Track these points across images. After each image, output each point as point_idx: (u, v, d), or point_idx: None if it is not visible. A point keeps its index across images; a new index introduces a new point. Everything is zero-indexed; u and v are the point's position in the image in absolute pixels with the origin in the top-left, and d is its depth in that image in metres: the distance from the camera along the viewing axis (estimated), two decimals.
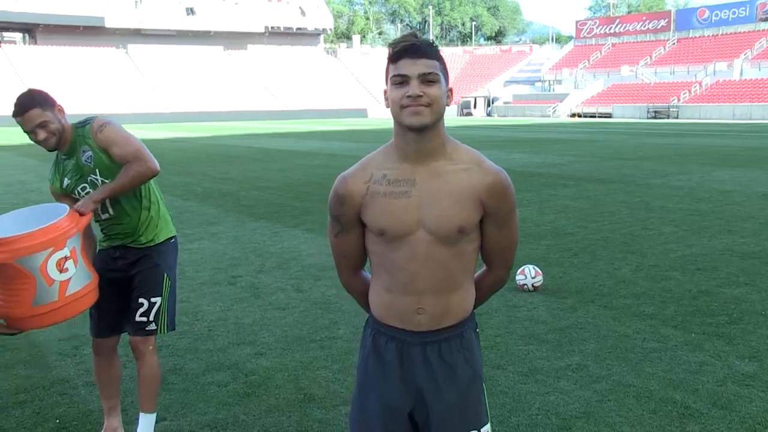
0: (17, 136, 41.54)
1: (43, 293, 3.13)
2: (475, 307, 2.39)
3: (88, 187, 3.55)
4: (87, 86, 69.57)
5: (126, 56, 78.62)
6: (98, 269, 3.53)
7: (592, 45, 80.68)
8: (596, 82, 71.40)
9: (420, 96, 2.09)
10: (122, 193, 3.56)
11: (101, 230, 3.76)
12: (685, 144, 27.19)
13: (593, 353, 5.00)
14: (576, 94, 69.73)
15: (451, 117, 70.77)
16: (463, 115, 75.50)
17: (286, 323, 5.77)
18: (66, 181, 3.59)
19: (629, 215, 10.76)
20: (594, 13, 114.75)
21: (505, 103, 75.22)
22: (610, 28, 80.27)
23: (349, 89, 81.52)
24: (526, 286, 6.56)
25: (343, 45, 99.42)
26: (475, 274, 2.39)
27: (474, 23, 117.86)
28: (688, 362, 4.79)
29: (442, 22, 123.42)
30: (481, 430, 2.32)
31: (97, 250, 3.77)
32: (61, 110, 3.57)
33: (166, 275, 3.74)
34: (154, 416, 3.81)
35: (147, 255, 3.71)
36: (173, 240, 3.86)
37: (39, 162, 22.72)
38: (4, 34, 78.22)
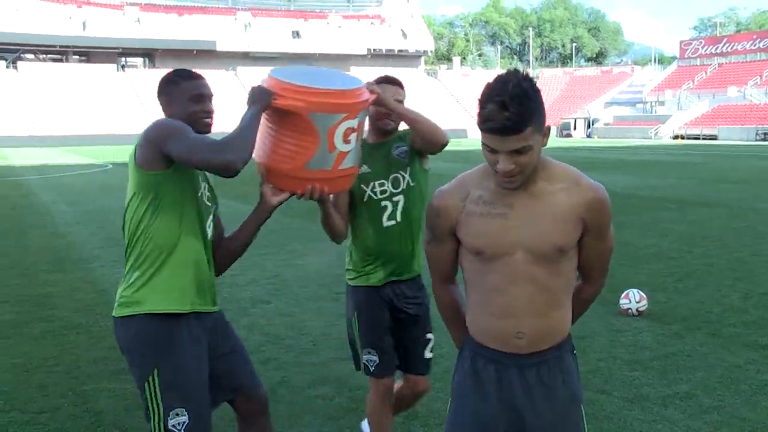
0: None
1: (320, 158, 2.78)
2: (573, 320, 2.34)
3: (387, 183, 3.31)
4: None
5: (235, 77, 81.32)
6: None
7: (696, 65, 78.01)
8: (701, 104, 68.91)
9: (511, 169, 2.06)
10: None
11: (368, 262, 3.40)
12: None
13: (702, 382, 4.80)
14: (679, 116, 67.49)
15: (550, 138, 69.76)
16: (563, 136, 74.26)
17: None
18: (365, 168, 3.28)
19: (736, 240, 10.31)
20: (699, 32, 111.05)
21: (606, 124, 73.53)
22: (716, 48, 77.42)
23: (449, 110, 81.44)
24: (630, 311, 6.37)
25: (444, 66, 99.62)
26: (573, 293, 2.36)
27: (574, 44, 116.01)
28: None
29: (542, 44, 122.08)
30: None
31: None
32: None
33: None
34: None
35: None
36: None
37: None
38: (128, 59, 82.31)
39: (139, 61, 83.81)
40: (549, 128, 2.13)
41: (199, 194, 2.82)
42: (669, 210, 13.80)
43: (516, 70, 2.05)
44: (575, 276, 2.30)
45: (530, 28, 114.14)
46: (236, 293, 7.52)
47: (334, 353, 5.50)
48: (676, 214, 13.12)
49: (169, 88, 2.91)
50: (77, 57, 78.48)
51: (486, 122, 2.01)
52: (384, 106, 3.13)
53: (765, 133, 57.79)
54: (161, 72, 77.19)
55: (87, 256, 9.82)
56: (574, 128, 75.34)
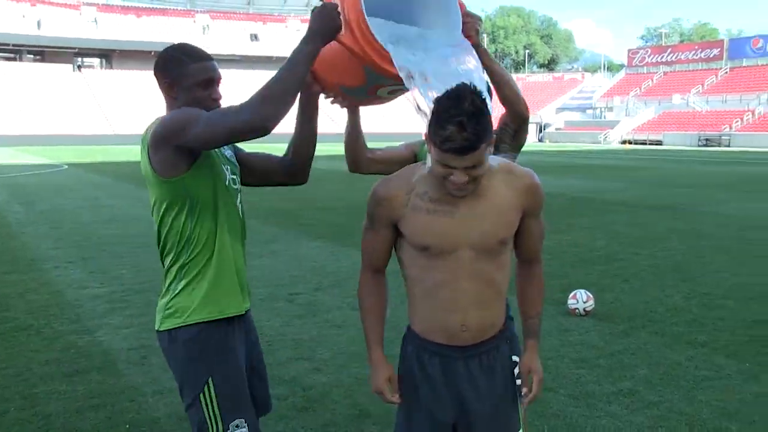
0: (91, 153, 42.70)
1: (356, 91, 2.58)
2: (538, 303, 2.40)
3: None
4: (156, 108, 70.78)
5: None
6: None
7: (643, 73, 79.53)
8: (647, 110, 70.30)
9: (465, 181, 2.07)
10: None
11: None
12: (737, 172, 26.55)
13: (644, 379, 4.89)
14: (627, 122, 68.73)
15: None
16: None
17: (342, 340, 5.79)
18: None
19: (680, 242, 10.54)
20: (646, 42, 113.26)
21: (557, 129, 74.52)
22: (662, 57, 79.07)
23: (406, 117, 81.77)
24: (577, 311, 6.46)
25: None
26: (519, 279, 2.44)
27: (527, 51, 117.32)
28: (743, 392, 4.64)
29: (496, 50, 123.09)
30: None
31: None
32: None
33: None
34: None
35: None
36: None
37: (112, 179, 23.32)
38: (84, 59, 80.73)
39: (95, 61, 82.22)
40: (495, 137, 2.22)
41: (227, 183, 2.60)
42: (618, 213, 14.04)
43: (466, 86, 2.02)
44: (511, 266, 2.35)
45: (485, 35, 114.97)
46: None
47: (289, 353, 5.48)
48: (625, 217, 13.35)
49: (173, 68, 2.60)
50: (31, 56, 76.72)
51: (445, 143, 2.01)
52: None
53: (707, 140, 59.19)
54: (118, 73, 76.26)
55: (41, 256, 9.61)
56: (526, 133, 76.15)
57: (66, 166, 30.41)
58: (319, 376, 5.00)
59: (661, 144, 61.73)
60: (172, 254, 2.57)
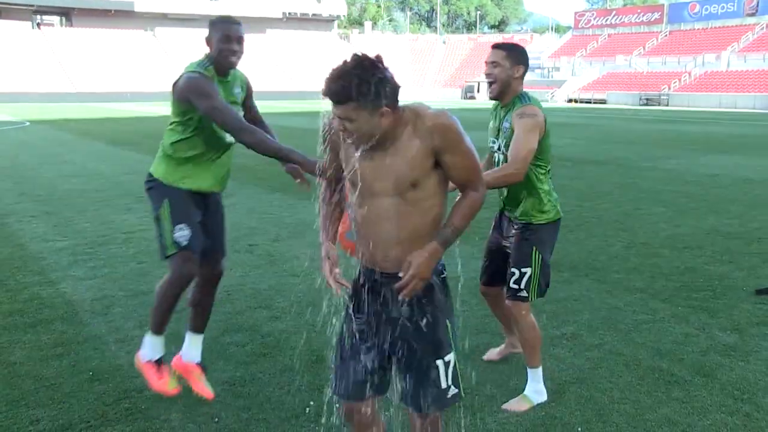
0: (53, 111, 41.51)
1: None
2: (461, 231, 2.42)
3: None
4: (117, 66, 69.32)
5: (153, 38, 78.23)
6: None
7: (589, 35, 79.75)
8: (592, 70, 70.70)
9: (343, 129, 2.26)
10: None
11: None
12: (675, 130, 26.97)
13: (587, 324, 4.98)
14: (573, 81, 69.07)
15: (455, 100, 70.35)
16: (467, 98, 74.96)
17: (300, 290, 5.77)
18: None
19: (622, 196, 10.70)
20: (592, 5, 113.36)
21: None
22: (606, 20, 79.30)
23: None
24: None
25: (356, 31, 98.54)
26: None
27: (479, 12, 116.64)
28: (675, 333, 4.77)
29: (449, 11, 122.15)
30: (445, 358, 2.49)
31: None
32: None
33: (536, 250, 3.75)
34: (537, 370, 3.84)
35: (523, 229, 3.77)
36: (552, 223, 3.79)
37: (74, 136, 22.73)
38: (43, 17, 77.76)
39: (55, 19, 79.30)
40: (387, 112, 2.22)
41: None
42: (565, 167, 14.15)
43: (364, 56, 2.22)
44: (438, 212, 2.42)
45: None
46: (153, 246, 7.27)
47: (247, 302, 5.44)
48: (571, 171, 13.48)
49: (209, 29, 3.58)
50: None
51: (324, 87, 2.22)
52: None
53: (647, 99, 59.90)
54: (79, 31, 74.13)
55: (4, 211, 9.34)
56: (478, 91, 76.07)
57: (28, 123, 29.51)
58: (277, 324, 4.98)
59: (605, 103, 62.29)
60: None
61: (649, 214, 9.21)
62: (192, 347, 3.98)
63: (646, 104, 59.39)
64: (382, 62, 2.23)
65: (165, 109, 42.37)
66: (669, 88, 60.73)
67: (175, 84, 3.59)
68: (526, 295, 3.78)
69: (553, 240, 3.86)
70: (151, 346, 3.80)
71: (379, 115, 2.21)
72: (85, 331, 4.81)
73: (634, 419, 3.56)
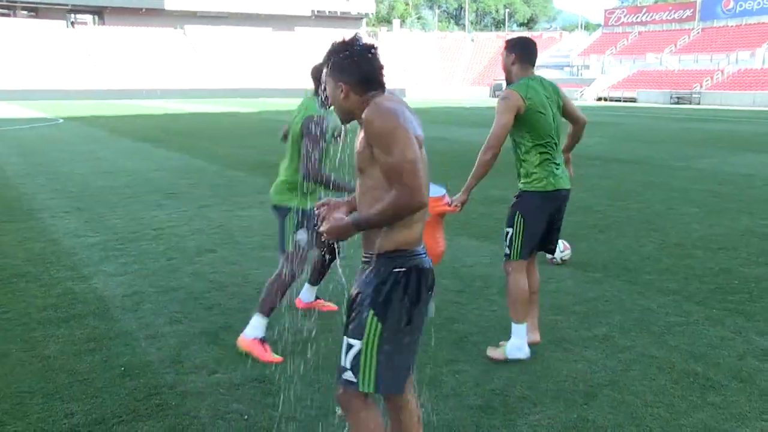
0: (85, 108, 42.09)
1: None
2: (370, 222, 2.46)
3: None
4: (148, 64, 70.10)
5: (183, 36, 78.92)
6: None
7: (619, 33, 78.88)
8: (622, 68, 69.90)
9: None
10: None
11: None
12: (707, 129, 26.56)
13: (618, 325, 4.91)
14: (602, 79, 68.37)
15: (483, 98, 70.03)
16: (495, 96, 74.63)
17: (330, 288, 5.75)
18: None
19: (653, 195, 10.55)
20: (622, 2, 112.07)
21: None
22: (637, 17, 78.34)
23: (389, 70, 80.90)
24: (554, 260, 6.46)
25: (384, 28, 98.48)
26: None
27: (507, 10, 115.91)
28: (709, 336, 4.67)
29: (477, 9, 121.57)
30: (350, 340, 2.57)
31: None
32: None
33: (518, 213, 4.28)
34: (519, 326, 4.28)
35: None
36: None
37: (105, 133, 23.01)
38: (77, 16, 78.88)
39: (88, 18, 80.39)
40: (344, 89, 2.48)
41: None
42: (594, 166, 14.01)
43: (348, 38, 2.52)
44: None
45: None
46: (182, 242, 7.36)
47: None
48: (600, 170, 13.33)
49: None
50: (25, 12, 74.89)
51: None
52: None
53: (679, 97, 59.07)
54: (111, 29, 74.93)
55: (38, 206, 9.47)
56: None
57: (61, 120, 29.94)
58: (307, 322, 4.98)
59: (634, 101, 61.56)
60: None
61: (681, 214, 9.06)
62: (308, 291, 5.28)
63: (677, 103, 58.56)
64: (354, 45, 2.48)
65: (194, 106, 42.82)
66: (701, 87, 59.82)
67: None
68: (509, 252, 4.30)
69: (537, 207, 4.24)
70: (261, 327, 4.41)
71: (339, 89, 2.48)
72: (117, 327, 4.85)
73: (668, 424, 3.49)
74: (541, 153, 4.16)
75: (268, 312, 4.43)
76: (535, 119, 4.12)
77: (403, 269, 2.50)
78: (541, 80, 4.25)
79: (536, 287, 4.54)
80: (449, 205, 4.11)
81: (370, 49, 2.48)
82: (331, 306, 5.27)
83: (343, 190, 4.30)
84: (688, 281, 5.99)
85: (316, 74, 4.16)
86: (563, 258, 6.48)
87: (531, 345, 4.36)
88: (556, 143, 4.23)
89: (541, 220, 4.27)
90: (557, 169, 4.22)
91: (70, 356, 4.31)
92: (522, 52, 4.20)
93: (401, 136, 2.36)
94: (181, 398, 3.77)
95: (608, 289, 5.75)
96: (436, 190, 3.83)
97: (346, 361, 2.56)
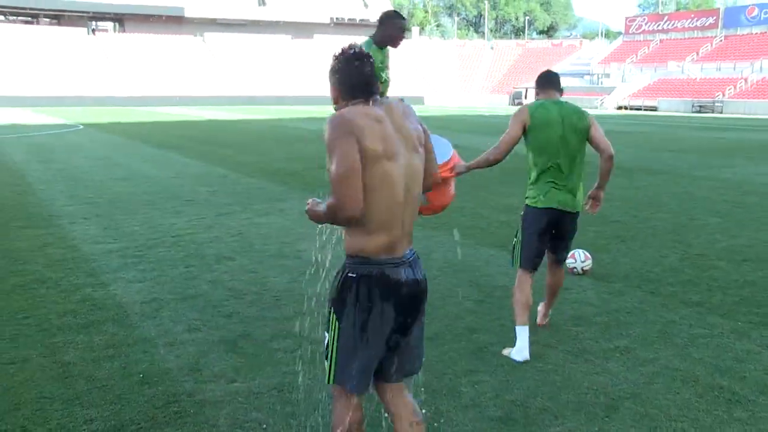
0: (105, 114, 42.51)
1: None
2: (319, 218, 2.60)
3: None
4: (167, 70, 70.75)
5: (203, 43, 79.59)
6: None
7: (640, 41, 78.49)
8: (643, 77, 69.53)
9: None
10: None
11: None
12: (730, 138, 26.32)
13: (641, 337, 4.86)
14: (623, 88, 68.04)
15: (503, 106, 69.92)
16: (515, 104, 74.45)
17: None
18: None
19: (676, 205, 10.46)
20: (643, 10, 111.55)
21: None
22: (658, 25, 77.91)
23: (408, 77, 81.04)
24: (575, 270, 6.42)
25: None
26: None
27: (527, 18, 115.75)
28: (735, 350, 4.61)
29: (497, 16, 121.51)
30: (325, 333, 2.73)
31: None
32: None
33: (519, 224, 4.72)
34: (519, 328, 4.48)
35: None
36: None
37: (124, 139, 23.21)
38: (98, 23, 79.84)
39: (109, 25, 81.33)
40: (332, 90, 2.66)
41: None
42: (615, 176, 13.83)
43: (349, 45, 2.69)
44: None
45: (486, 1, 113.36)
46: (201, 250, 7.40)
47: (296, 308, 5.44)
48: (621, 180, 13.23)
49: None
50: (48, 20, 75.90)
51: None
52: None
53: (701, 106, 58.64)
54: (131, 37, 75.51)
55: (57, 212, 9.56)
56: (525, 97, 75.44)
57: (81, 126, 30.26)
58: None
59: (655, 110, 61.18)
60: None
61: (704, 224, 8.98)
62: None
63: (699, 111, 58.12)
64: (343, 54, 2.62)
65: (213, 113, 43.13)
66: (723, 95, 59.35)
67: None
68: (511, 260, 4.70)
69: (530, 221, 4.52)
70: None
71: (334, 92, 2.65)
72: (135, 334, 4.87)
73: None
74: (539, 171, 4.44)
75: None
76: (536, 136, 4.41)
77: (354, 275, 2.58)
78: (562, 104, 4.50)
79: (556, 287, 4.92)
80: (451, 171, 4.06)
81: (358, 58, 2.58)
82: None
83: None
84: (711, 293, 5.92)
85: (381, 19, 5.18)
86: (584, 268, 6.44)
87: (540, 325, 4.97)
88: (558, 164, 4.41)
89: (534, 233, 4.51)
90: (557, 189, 4.42)
91: (89, 362, 4.34)
92: (539, 83, 4.66)
93: (338, 149, 2.44)
94: (199, 406, 3.78)
95: (630, 301, 5.70)
96: (443, 152, 3.81)
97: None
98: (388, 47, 5.23)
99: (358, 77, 2.58)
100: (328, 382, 2.70)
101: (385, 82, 5.24)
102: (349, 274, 2.59)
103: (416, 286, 2.64)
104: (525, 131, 4.43)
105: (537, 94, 4.62)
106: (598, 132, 4.49)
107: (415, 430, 2.80)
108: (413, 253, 2.70)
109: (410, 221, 2.65)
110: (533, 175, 4.49)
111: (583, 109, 4.65)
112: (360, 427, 2.76)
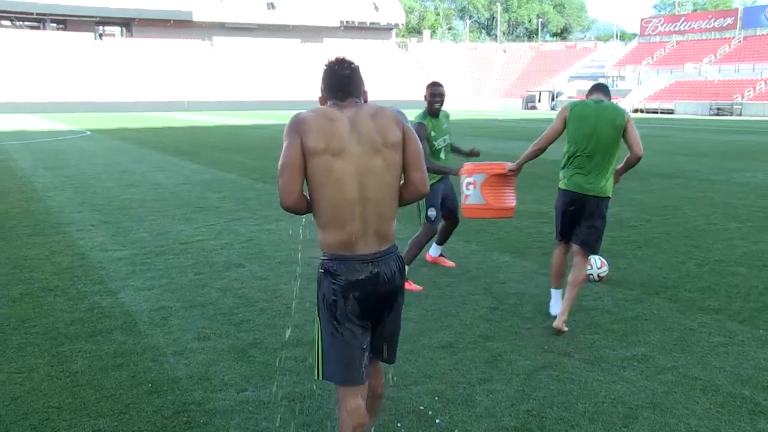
0: (113, 120, 42.77)
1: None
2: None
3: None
4: (175, 75, 71.10)
5: (211, 48, 79.95)
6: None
7: (656, 42, 78.26)
8: (659, 79, 69.27)
9: None
10: None
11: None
12: (749, 141, 26.17)
13: (659, 345, 4.83)
14: (639, 90, 67.81)
15: (516, 110, 69.84)
16: (528, 108, 74.35)
17: None
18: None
19: (693, 210, 10.40)
20: (659, 11, 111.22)
21: (569, 97, 73.59)
22: (674, 26, 77.64)
23: (418, 82, 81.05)
24: (591, 276, 6.39)
25: (414, 39, 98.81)
26: None
27: (540, 20, 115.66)
28: (757, 358, 4.57)
29: (510, 19, 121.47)
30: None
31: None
32: None
33: None
34: (552, 291, 5.60)
35: None
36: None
37: (132, 145, 23.33)
38: (105, 28, 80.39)
39: (116, 30, 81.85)
40: (320, 98, 2.92)
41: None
42: (630, 180, 13.83)
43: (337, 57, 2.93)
44: (313, 194, 2.78)
45: (498, 3, 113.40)
46: (211, 257, 7.42)
47: (306, 316, 5.44)
48: (637, 185, 13.19)
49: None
50: (54, 25, 76.45)
51: None
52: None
53: (719, 108, 58.34)
54: (138, 41, 75.98)
55: (65, 220, 9.62)
56: (539, 101, 75.43)
57: (89, 133, 30.46)
58: None
59: (672, 113, 60.92)
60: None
61: (723, 229, 8.92)
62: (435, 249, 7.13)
63: (717, 114, 57.83)
64: (327, 62, 2.87)
65: (222, 118, 43.29)
66: (742, 97, 59.02)
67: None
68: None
69: (558, 201, 5.30)
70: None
71: (320, 95, 2.93)
72: (144, 342, 4.89)
73: None
74: (568, 158, 5.16)
75: (409, 261, 6.32)
76: (571, 129, 5.13)
77: (322, 271, 2.80)
78: (601, 103, 5.11)
79: (574, 279, 5.19)
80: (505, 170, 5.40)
81: (337, 64, 2.84)
82: (451, 263, 7.04)
83: (446, 173, 6.15)
84: (731, 300, 5.88)
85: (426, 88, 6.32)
86: (600, 275, 6.41)
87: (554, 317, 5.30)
88: (586, 154, 5.04)
89: (561, 212, 5.26)
90: (580, 175, 5.08)
91: (97, 371, 4.36)
92: (590, 89, 5.31)
93: (284, 145, 2.72)
94: (209, 416, 3.78)
95: (647, 308, 5.67)
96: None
97: None
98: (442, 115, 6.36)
99: (331, 80, 2.83)
100: (317, 378, 2.86)
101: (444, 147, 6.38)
102: (319, 270, 2.82)
103: (378, 284, 2.75)
104: (565, 125, 5.16)
105: (586, 96, 5.31)
106: (633, 132, 5.02)
107: (375, 402, 3.15)
108: (385, 252, 2.80)
109: (377, 220, 2.74)
110: (563, 161, 5.19)
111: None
112: (363, 428, 2.84)
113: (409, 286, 6.03)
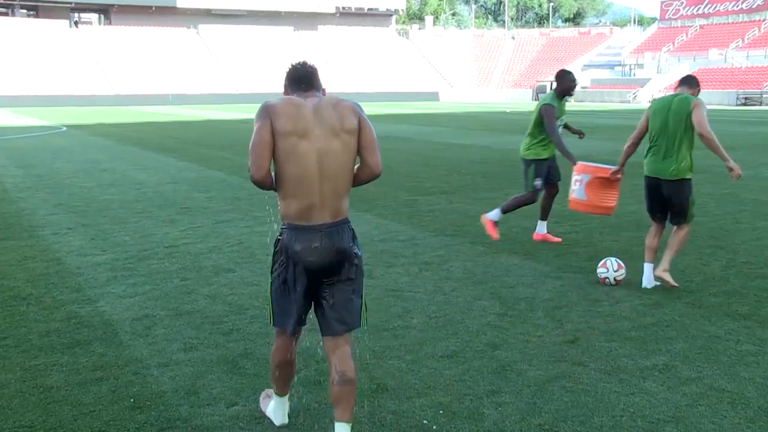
0: (91, 115, 42.77)
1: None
2: None
3: None
4: (158, 66, 71.18)
5: (197, 36, 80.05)
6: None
7: (677, 27, 78.37)
8: (681, 66, 69.32)
9: None
10: None
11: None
12: None
13: (681, 353, 4.83)
14: (659, 79, 67.88)
15: (525, 102, 69.89)
16: (538, 99, 74.42)
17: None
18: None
19: (717, 208, 10.42)
20: None
21: (583, 87, 73.62)
22: (698, 9, 77.70)
23: (420, 72, 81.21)
24: (608, 280, 6.40)
25: (415, 26, 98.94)
26: None
27: (551, 4, 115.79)
28: None
29: (518, 3, 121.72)
30: None
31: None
32: None
33: None
34: (644, 264, 6.57)
35: None
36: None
37: (113, 142, 23.36)
38: (81, 15, 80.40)
39: (93, 17, 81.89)
40: (284, 91, 3.53)
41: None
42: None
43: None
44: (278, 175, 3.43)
45: None
46: (198, 261, 7.43)
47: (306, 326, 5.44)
48: None
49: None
50: (25, 11, 76.44)
51: None
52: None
53: (746, 98, 58.39)
54: (118, 30, 76.04)
55: (38, 223, 9.64)
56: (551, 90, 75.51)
57: (65, 128, 30.49)
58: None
59: None
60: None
61: (751, 228, 8.94)
62: (540, 226, 8.38)
63: (745, 104, 57.88)
64: (292, 64, 3.54)
65: (210, 112, 43.32)
66: None
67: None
68: None
69: (644, 185, 6.67)
70: (497, 214, 8.06)
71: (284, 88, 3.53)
72: (126, 354, 4.89)
73: None
74: (648, 147, 6.44)
75: (504, 212, 8.04)
76: (650, 123, 6.45)
77: (280, 236, 3.48)
78: (676, 98, 6.33)
79: (675, 237, 6.48)
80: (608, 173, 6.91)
81: (296, 65, 3.52)
82: (557, 239, 8.22)
83: (568, 158, 7.65)
84: (760, 304, 5.89)
85: (557, 75, 8.13)
86: (617, 278, 6.42)
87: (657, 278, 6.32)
88: (658, 144, 6.34)
89: (645, 194, 6.60)
90: (654, 162, 6.37)
91: (74, 387, 4.36)
92: (681, 81, 6.67)
93: (255, 127, 3.29)
94: None
95: (669, 313, 5.68)
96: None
97: None
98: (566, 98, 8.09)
99: (295, 75, 3.46)
100: (270, 324, 3.66)
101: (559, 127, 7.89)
102: (277, 236, 3.49)
103: (328, 251, 3.36)
104: (648, 121, 6.45)
105: (676, 87, 6.59)
106: (697, 114, 6.13)
107: (345, 387, 3.44)
108: (337, 224, 3.42)
109: (332, 195, 3.36)
110: (645, 150, 6.45)
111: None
112: (289, 366, 3.75)
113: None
